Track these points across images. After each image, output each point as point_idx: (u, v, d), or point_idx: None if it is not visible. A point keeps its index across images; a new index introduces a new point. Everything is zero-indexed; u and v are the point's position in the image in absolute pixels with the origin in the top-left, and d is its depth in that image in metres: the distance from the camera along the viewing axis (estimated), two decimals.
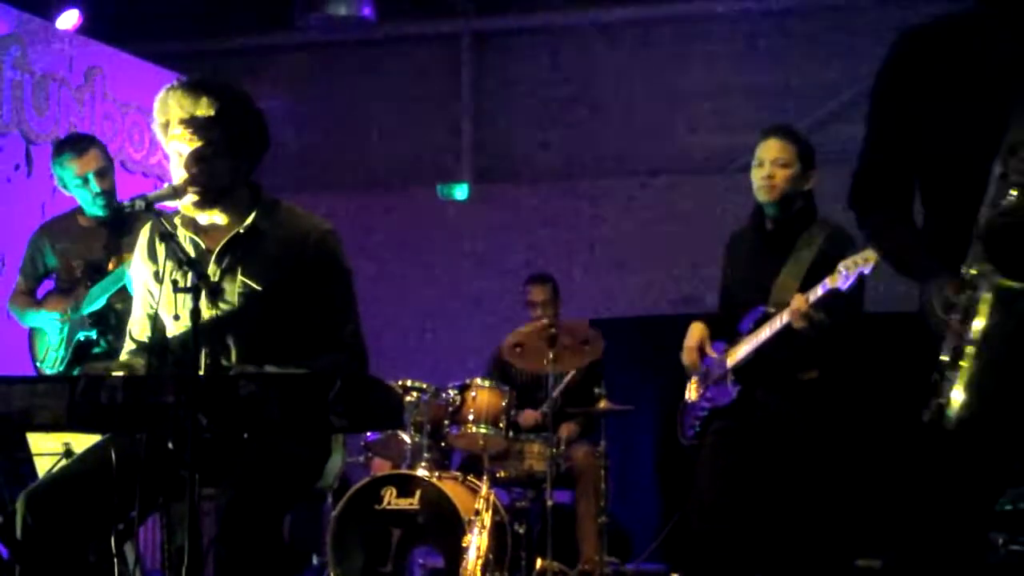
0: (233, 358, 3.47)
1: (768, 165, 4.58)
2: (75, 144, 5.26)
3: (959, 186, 2.58)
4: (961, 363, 2.39)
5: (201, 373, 3.31)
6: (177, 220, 3.59)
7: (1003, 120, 2.47)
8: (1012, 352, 2.40)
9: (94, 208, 5.20)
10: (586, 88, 9.32)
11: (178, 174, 3.48)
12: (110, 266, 5.05)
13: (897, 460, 2.75)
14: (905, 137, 2.72)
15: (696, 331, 4.86)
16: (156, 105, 3.50)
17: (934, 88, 2.65)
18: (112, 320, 5.05)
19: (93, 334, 5.09)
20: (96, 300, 5.08)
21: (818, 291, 4.34)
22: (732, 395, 4.63)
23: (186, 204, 3.50)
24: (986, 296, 2.38)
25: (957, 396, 2.39)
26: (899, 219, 2.76)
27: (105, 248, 5.13)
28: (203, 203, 3.51)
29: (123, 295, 4.90)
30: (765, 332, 4.51)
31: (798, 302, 4.37)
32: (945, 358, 2.43)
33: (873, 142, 2.83)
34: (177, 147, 3.48)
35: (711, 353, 4.80)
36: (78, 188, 5.19)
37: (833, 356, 4.55)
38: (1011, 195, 2.42)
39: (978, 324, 2.39)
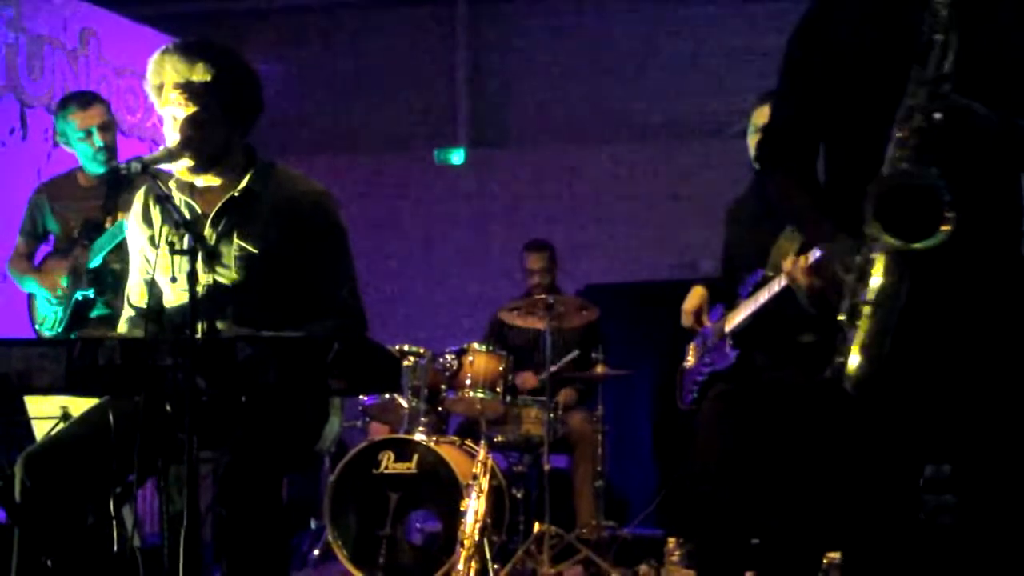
0: (230, 321, 3.46)
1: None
2: (80, 98, 5.28)
3: (861, 148, 2.60)
4: (857, 323, 2.43)
5: (199, 336, 3.29)
6: (172, 183, 3.57)
7: (895, 88, 2.49)
8: (905, 311, 2.42)
9: (94, 164, 5.19)
10: (582, 53, 9.29)
11: (172, 138, 3.46)
12: (107, 224, 5.04)
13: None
14: (813, 95, 2.72)
15: (695, 296, 4.86)
16: (150, 67, 3.47)
17: (843, 48, 2.65)
18: (109, 279, 5.04)
19: (91, 293, 5.08)
20: (94, 258, 5.08)
21: (816, 252, 4.33)
22: (731, 359, 4.63)
23: (181, 169, 3.49)
24: (880, 256, 2.41)
25: (854, 357, 2.43)
26: (801, 178, 2.78)
27: (103, 207, 5.12)
28: (198, 167, 3.49)
29: (120, 254, 4.89)
30: (764, 296, 4.51)
31: (797, 262, 4.36)
32: (843, 318, 2.46)
33: (782, 99, 2.86)
34: (172, 111, 3.45)
35: (706, 321, 4.79)
36: (80, 142, 5.18)
37: (831, 320, 4.54)
38: (906, 157, 2.44)
39: (873, 283, 2.41)
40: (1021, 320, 2.59)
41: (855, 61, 2.63)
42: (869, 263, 2.43)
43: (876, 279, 2.41)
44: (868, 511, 2.65)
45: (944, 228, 2.36)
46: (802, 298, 4.38)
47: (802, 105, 2.76)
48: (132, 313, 3.69)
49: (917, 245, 2.38)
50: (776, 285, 4.48)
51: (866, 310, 2.42)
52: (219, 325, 3.39)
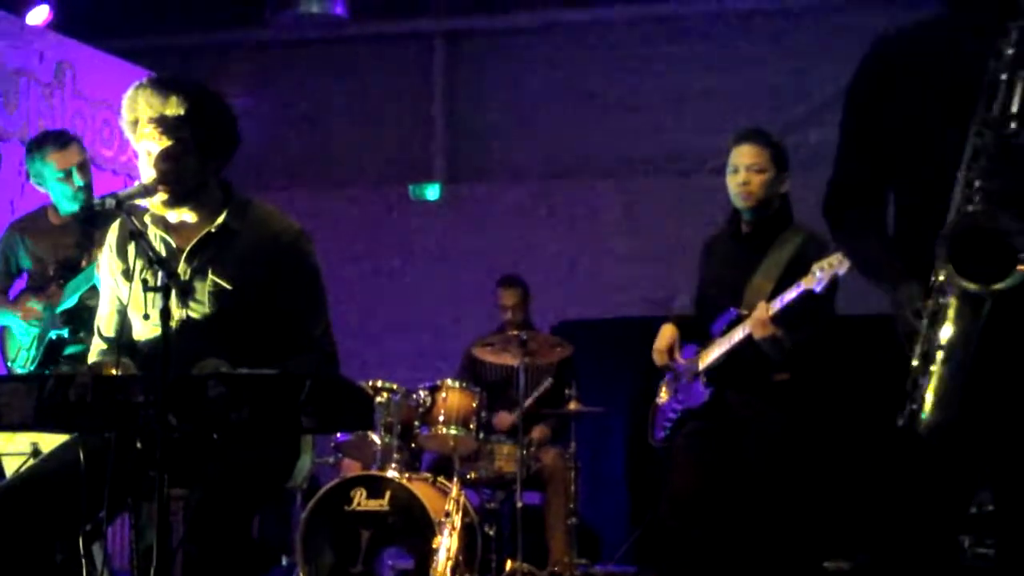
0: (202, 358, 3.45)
1: (743, 171, 4.59)
2: (57, 138, 5.25)
3: (929, 192, 2.59)
4: (931, 368, 2.40)
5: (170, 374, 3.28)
6: (147, 218, 3.56)
7: (962, 130, 2.49)
8: (979, 356, 2.41)
9: (72, 204, 5.15)
10: (558, 89, 9.32)
11: (147, 173, 3.46)
12: (83, 263, 5.02)
13: (867, 463, 2.76)
14: (878, 143, 2.71)
15: (666, 333, 4.87)
16: (124, 103, 3.47)
17: (905, 93, 2.65)
18: (85, 317, 5.01)
19: (65, 332, 5.06)
20: (69, 298, 5.05)
21: (791, 294, 4.37)
22: (704, 397, 4.65)
23: (155, 203, 3.48)
24: (952, 301, 2.40)
25: (929, 402, 2.40)
26: (870, 226, 2.76)
27: (78, 245, 5.10)
28: (172, 202, 3.49)
29: (96, 292, 4.87)
30: (738, 334, 4.53)
31: (761, 311, 4.41)
32: (915, 363, 2.43)
33: (846, 148, 2.83)
34: (146, 146, 3.45)
35: (678, 358, 4.81)
36: (58, 183, 5.14)
37: (805, 358, 4.57)
38: (974, 199, 2.43)
39: (946, 329, 2.40)
40: None
41: (922, 103, 2.62)
42: (941, 308, 2.41)
43: (948, 324, 2.40)
44: (910, 550, 2.62)
45: (1020, 269, 2.34)
46: (764, 345, 4.43)
47: (866, 155, 2.74)
48: (103, 345, 3.67)
49: (994, 287, 2.36)
50: (740, 332, 4.51)
51: (939, 356, 2.40)
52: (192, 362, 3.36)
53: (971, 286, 2.37)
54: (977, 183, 2.43)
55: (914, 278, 2.52)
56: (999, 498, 2.64)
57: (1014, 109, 2.42)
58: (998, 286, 2.36)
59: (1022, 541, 2.57)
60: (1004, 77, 2.44)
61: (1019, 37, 2.44)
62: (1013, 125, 2.42)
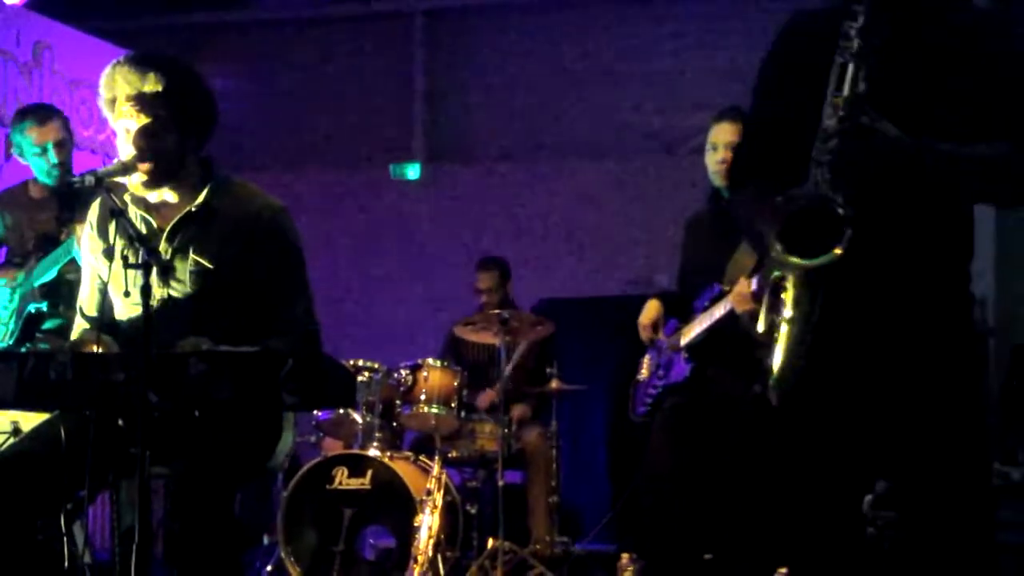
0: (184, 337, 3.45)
1: (722, 149, 4.61)
2: (37, 112, 5.26)
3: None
4: (775, 337, 2.49)
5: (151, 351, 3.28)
6: (127, 197, 3.55)
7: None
8: (817, 324, 2.48)
9: (48, 179, 5.17)
10: (539, 69, 9.32)
11: (126, 150, 3.45)
12: (62, 237, 5.01)
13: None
14: (777, 116, 2.75)
15: (651, 307, 4.89)
16: (102, 81, 3.46)
17: (804, 73, 2.68)
18: (64, 291, 5.01)
19: (44, 306, 5.06)
20: (47, 271, 5.05)
21: (756, 279, 4.38)
22: (685, 373, 4.67)
23: (135, 183, 3.47)
24: (790, 274, 2.47)
25: (776, 369, 2.49)
26: (761, 196, 2.78)
27: (57, 219, 5.10)
28: (152, 180, 3.47)
29: (75, 266, 4.87)
30: (719, 310, 4.55)
31: (742, 285, 4.42)
32: (761, 331, 2.53)
33: (752, 119, 2.91)
34: (125, 124, 3.44)
35: (660, 335, 4.83)
36: (35, 157, 5.16)
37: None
38: (821, 179, 2.48)
39: (786, 299, 2.47)
40: (958, 339, 2.64)
41: (806, 87, 2.65)
42: (784, 280, 2.49)
43: (789, 296, 2.47)
44: (812, 528, 2.68)
45: (837, 248, 2.39)
46: (744, 321, 4.45)
47: (769, 127, 2.78)
48: (85, 324, 3.67)
49: (813, 262, 2.42)
50: (723, 307, 4.53)
51: (783, 325, 2.47)
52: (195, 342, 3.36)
53: (792, 261, 2.44)
54: (824, 162, 2.48)
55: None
56: (898, 480, 2.68)
57: (860, 90, 2.47)
58: (813, 262, 2.42)
59: (922, 515, 2.62)
60: (850, 61, 2.49)
61: (865, 20, 2.49)
62: (858, 107, 2.47)
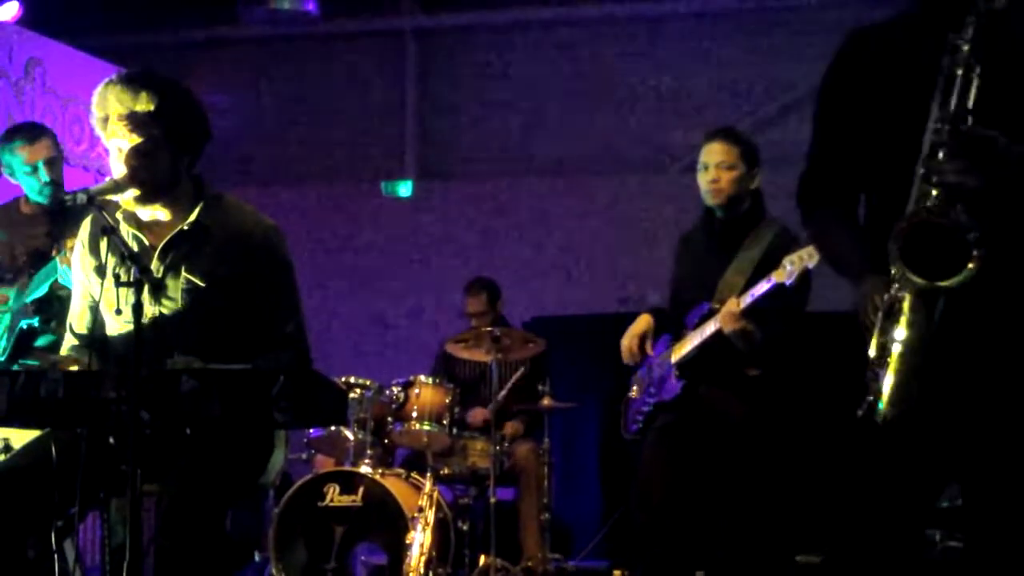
0: (175, 355, 3.45)
1: (713, 169, 4.62)
2: (27, 132, 5.25)
3: (897, 187, 2.61)
4: (888, 360, 2.43)
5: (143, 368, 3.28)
6: (119, 215, 3.55)
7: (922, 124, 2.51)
8: (935, 350, 2.43)
9: (40, 197, 5.17)
10: (530, 87, 9.34)
11: (118, 169, 3.45)
12: (53, 253, 5.01)
13: (837, 457, 2.78)
14: (848, 137, 2.73)
15: (641, 322, 4.89)
16: (94, 100, 3.46)
17: (875, 89, 2.67)
18: (55, 307, 5.01)
19: (35, 322, 5.05)
20: (39, 287, 5.05)
21: (762, 287, 4.40)
22: (676, 390, 4.67)
23: (127, 200, 3.48)
24: (907, 295, 2.42)
25: (886, 394, 2.43)
26: (841, 219, 2.77)
27: (48, 235, 5.10)
28: (144, 199, 3.48)
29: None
30: (710, 328, 4.56)
31: (731, 305, 4.43)
32: (872, 355, 2.46)
33: (818, 141, 2.85)
34: (117, 143, 3.44)
35: (650, 351, 4.83)
36: (26, 176, 5.16)
37: (776, 353, 4.60)
38: (931, 194, 2.45)
39: (902, 323, 2.42)
40: None
41: (890, 99, 2.64)
42: (898, 302, 2.43)
43: (904, 319, 2.42)
44: (877, 544, 2.64)
45: (970, 266, 2.36)
46: (734, 339, 4.46)
47: (838, 146, 2.76)
48: (74, 341, 3.67)
49: (943, 284, 2.38)
50: (711, 326, 4.54)
51: (896, 349, 2.42)
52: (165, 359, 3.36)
53: (920, 282, 2.39)
54: (935, 178, 2.45)
55: (877, 273, 2.54)
56: (966, 492, 2.66)
57: (969, 104, 2.44)
58: (947, 283, 2.38)
59: (989, 535, 2.58)
60: (960, 72, 2.46)
61: (974, 32, 2.46)
62: (969, 120, 2.44)
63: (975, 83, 2.45)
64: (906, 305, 2.42)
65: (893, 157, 2.63)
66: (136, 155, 3.42)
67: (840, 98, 2.76)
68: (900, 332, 2.42)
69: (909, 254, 2.41)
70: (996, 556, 2.57)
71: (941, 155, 2.45)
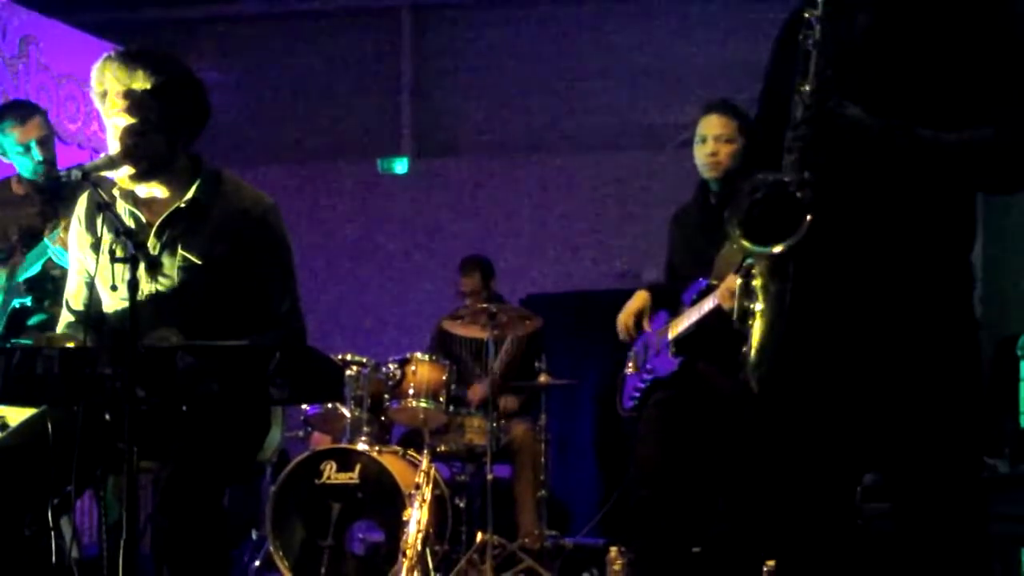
0: (175, 332, 3.44)
1: (711, 142, 4.60)
2: (18, 111, 5.23)
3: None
4: (749, 325, 2.50)
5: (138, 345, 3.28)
6: (116, 192, 3.54)
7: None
8: (787, 311, 2.48)
9: (33, 176, 5.17)
10: (527, 63, 9.31)
11: (114, 146, 3.44)
12: (46, 232, 5.01)
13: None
14: (780, 106, 2.72)
15: (638, 299, 4.88)
16: (93, 74, 3.44)
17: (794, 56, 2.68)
18: (49, 286, 5.00)
19: (28, 300, 5.05)
20: (32, 266, 5.04)
21: None
22: (673, 366, 4.66)
23: (122, 177, 3.47)
24: (761, 261, 2.49)
25: (751, 358, 2.50)
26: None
27: (41, 214, 5.09)
28: (139, 176, 3.46)
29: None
30: (707, 304, 4.55)
31: (730, 281, 4.42)
32: (736, 320, 2.55)
33: (759, 108, 2.90)
34: (114, 120, 3.43)
35: (647, 327, 4.82)
36: (18, 156, 5.15)
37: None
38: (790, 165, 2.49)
39: (755, 285, 2.50)
40: (953, 328, 2.62)
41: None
42: (753, 269, 2.50)
43: (757, 283, 2.49)
44: (801, 519, 2.68)
45: (800, 229, 2.40)
46: (732, 316, 4.45)
47: (770, 116, 2.78)
48: (71, 318, 3.66)
49: (767, 249, 2.43)
50: (710, 302, 4.53)
51: (756, 313, 2.48)
52: (174, 337, 3.35)
53: (750, 247, 2.46)
54: (794, 148, 2.49)
55: None
56: (890, 472, 2.68)
57: (813, 78, 2.48)
58: (778, 247, 2.43)
59: (914, 507, 2.61)
60: (811, 47, 2.51)
61: (824, 11, 2.50)
62: (825, 94, 2.48)
63: (825, 58, 2.48)
64: (758, 271, 2.50)
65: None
66: (131, 133, 3.41)
67: (782, 61, 2.76)
68: (757, 297, 2.50)
69: (755, 221, 2.46)
70: (924, 532, 2.60)
71: (799, 129, 2.49)
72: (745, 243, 2.45)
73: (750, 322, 2.50)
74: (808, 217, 2.40)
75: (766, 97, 2.84)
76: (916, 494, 2.60)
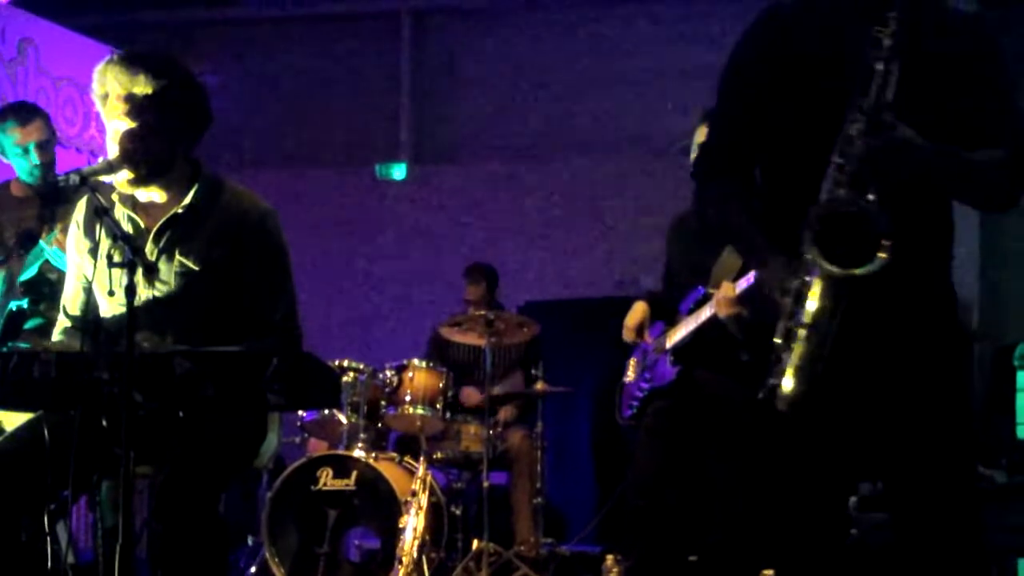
0: (169, 338, 3.43)
1: None
2: (19, 112, 5.24)
3: (798, 168, 2.61)
4: (792, 345, 2.45)
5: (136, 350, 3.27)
6: (115, 196, 3.54)
7: (834, 108, 2.51)
8: (839, 336, 2.45)
9: (30, 179, 5.16)
10: (525, 69, 9.32)
11: (114, 149, 3.43)
12: (43, 235, 5.00)
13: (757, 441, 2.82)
14: (753, 114, 2.71)
15: (638, 309, 4.88)
16: (95, 77, 3.43)
17: (784, 67, 2.66)
18: (45, 290, 5.00)
19: (25, 303, 5.04)
20: (29, 269, 5.04)
21: (742, 283, 4.38)
22: (671, 375, 4.66)
23: (121, 181, 3.46)
24: (817, 281, 2.44)
25: (787, 378, 2.46)
26: (739, 195, 2.76)
27: (39, 217, 5.09)
28: (138, 180, 3.46)
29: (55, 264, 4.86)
30: (704, 313, 4.54)
31: (726, 290, 4.42)
32: (778, 340, 2.48)
33: (720, 115, 2.85)
34: (115, 124, 3.42)
35: (647, 337, 4.83)
36: (17, 157, 5.15)
37: (760, 342, 4.58)
38: (844, 184, 2.46)
39: (810, 307, 2.44)
40: (947, 341, 2.64)
41: (794, 82, 2.64)
42: (806, 287, 2.45)
43: (812, 303, 2.44)
44: (800, 529, 2.67)
45: (881, 256, 2.38)
46: (729, 324, 4.45)
47: (740, 122, 2.75)
48: (67, 323, 3.65)
49: (856, 272, 2.40)
50: (707, 311, 4.53)
51: (801, 333, 2.44)
52: (149, 342, 3.34)
53: (834, 270, 2.41)
54: (849, 168, 2.46)
55: (780, 254, 2.55)
56: (889, 481, 2.68)
57: (888, 97, 2.45)
58: (859, 271, 2.40)
59: (916, 522, 2.61)
60: (880, 67, 2.47)
61: (897, 27, 2.47)
62: (888, 115, 2.45)
63: (895, 77, 2.46)
64: (815, 291, 2.44)
65: (795, 140, 2.64)
66: (131, 138, 3.40)
67: (748, 72, 2.74)
68: (807, 317, 2.44)
69: (823, 241, 2.42)
70: (923, 540, 2.60)
71: (857, 147, 2.46)
72: (830, 266, 2.40)
73: (792, 343, 2.45)
74: (887, 242, 2.38)
75: (733, 99, 2.78)
76: (912, 504, 2.60)
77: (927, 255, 2.62)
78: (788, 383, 2.45)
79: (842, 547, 2.69)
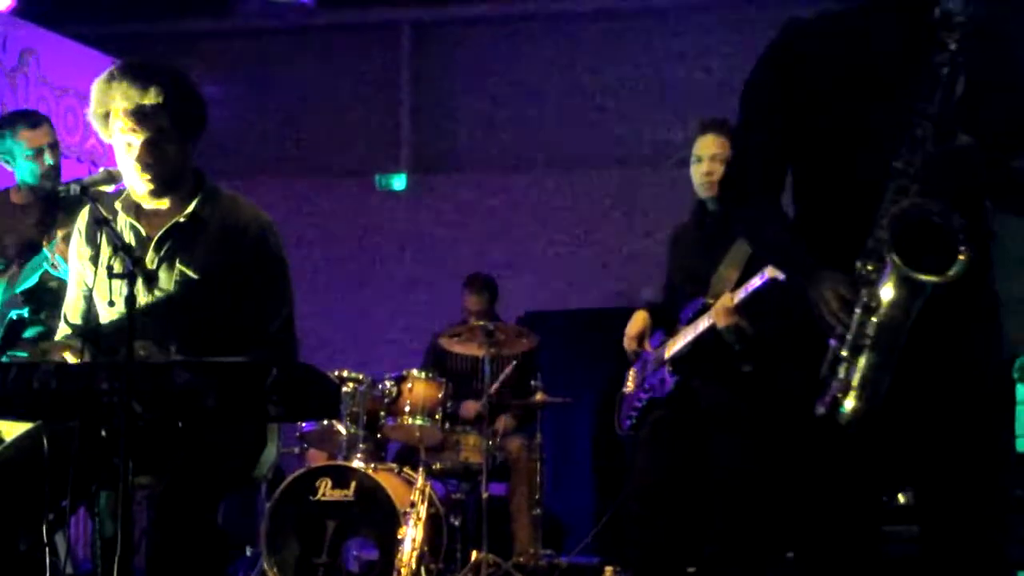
0: (166, 346, 3.43)
1: (707, 161, 4.61)
2: (28, 117, 5.30)
3: (832, 180, 2.60)
4: (859, 359, 2.42)
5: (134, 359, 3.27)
6: (118, 205, 3.54)
7: (876, 116, 2.51)
8: (907, 348, 2.43)
9: (46, 182, 5.17)
10: (525, 80, 9.32)
11: (126, 164, 3.43)
12: (44, 243, 5.01)
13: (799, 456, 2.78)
14: (777, 133, 2.70)
15: (638, 319, 4.89)
16: (95, 96, 3.43)
17: (813, 79, 2.64)
18: (46, 298, 5.00)
19: (25, 312, 5.04)
20: (29, 277, 5.04)
21: (755, 282, 4.38)
22: (670, 386, 4.66)
23: (142, 194, 3.47)
24: (889, 291, 2.41)
25: (854, 391, 2.42)
26: (772, 212, 2.74)
27: (39, 225, 5.10)
28: (159, 191, 3.48)
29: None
30: (703, 323, 4.55)
31: (725, 299, 4.42)
32: (844, 353, 2.44)
33: (746, 135, 2.83)
34: (125, 138, 3.41)
35: (647, 347, 4.83)
36: (28, 161, 5.16)
37: (770, 348, 4.58)
38: (910, 190, 2.45)
39: (880, 319, 2.41)
40: (987, 348, 2.61)
41: (829, 90, 2.62)
42: (873, 298, 2.42)
43: (884, 314, 2.41)
44: (831, 538, 2.65)
45: (961, 259, 2.36)
46: (727, 334, 4.45)
47: (767, 143, 2.73)
48: (68, 331, 3.65)
49: (938, 279, 2.37)
50: (705, 322, 4.53)
51: (869, 344, 2.41)
52: (143, 350, 3.34)
53: (922, 277, 2.38)
54: (913, 173, 2.45)
55: (827, 267, 2.53)
56: (920, 490, 2.66)
57: (953, 103, 2.45)
58: (940, 278, 2.38)
59: (943, 531, 2.59)
60: (946, 72, 2.46)
61: (963, 33, 2.45)
62: (952, 121, 2.45)
63: (961, 82, 2.45)
64: (888, 301, 2.41)
65: (831, 151, 2.62)
66: (148, 149, 3.41)
67: (775, 86, 2.72)
68: (876, 327, 2.41)
69: (901, 247, 2.40)
70: (948, 552, 2.58)
71: (921, 153, 2.45)
72: (914, 273, 2.38)
73: (859, 357, 2.42)
74: (965, 251, 2.37)
75: (759, 118, 2.77)
76: (945, 514, 2.57)
77: (974, 263, 2.55)
78: (852, 399, 2.42)
79: (874, 556, 2.66)
